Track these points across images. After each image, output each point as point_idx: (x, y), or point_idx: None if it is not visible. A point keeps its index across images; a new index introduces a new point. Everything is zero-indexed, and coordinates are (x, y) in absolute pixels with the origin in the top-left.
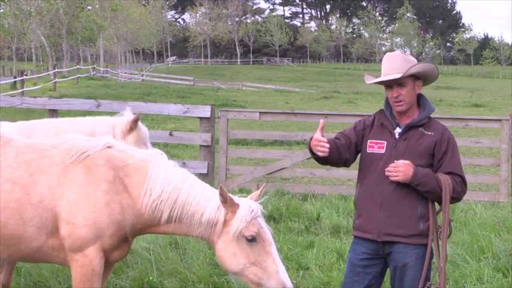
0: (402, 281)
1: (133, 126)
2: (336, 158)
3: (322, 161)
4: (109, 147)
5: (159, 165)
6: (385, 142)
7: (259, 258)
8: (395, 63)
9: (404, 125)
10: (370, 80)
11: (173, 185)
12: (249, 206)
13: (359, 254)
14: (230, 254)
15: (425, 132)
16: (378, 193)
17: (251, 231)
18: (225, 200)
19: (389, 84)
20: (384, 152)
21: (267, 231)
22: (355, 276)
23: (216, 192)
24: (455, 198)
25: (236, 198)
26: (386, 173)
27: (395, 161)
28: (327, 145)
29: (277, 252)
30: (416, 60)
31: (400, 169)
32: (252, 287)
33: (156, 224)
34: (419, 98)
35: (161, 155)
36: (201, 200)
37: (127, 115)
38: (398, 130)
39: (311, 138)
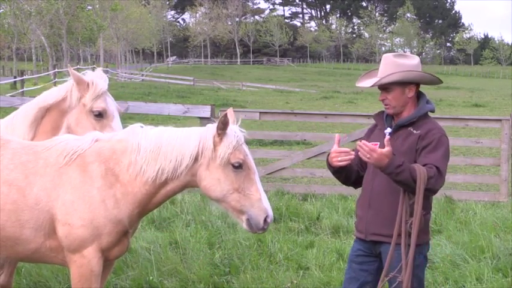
0: (390, 280)
1: (89, 85)
2: (357, 170)
3: (343, 177)
4: (97, 140)
5: (137, 134)
6: (378, 143)
7: (243, 185)
8: (384, 67)
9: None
10: (359, 82)
11: (154, 143)
12: (234, 132)
13: (355, 251)
14: (214, 181)
15: (414, 131)
16: (368, 193)
17: (238, 158)
18: (225, 127)
19: (379, 87)
20: None
21: (252, 160)
22: (352, 272)
23: (195, 128)
24: (429, 189)
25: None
26: (359, 151)
27: (376, 147)
28: (352, 152)
29: (260, 182)
30: (414, 62)
31: (374, 155)
32: (233, 214)
33: (150, 196)
34: (419, 97)
35: (140, 127)
36: (181, 140)
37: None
38: (388, 130)
39: (328, 154)
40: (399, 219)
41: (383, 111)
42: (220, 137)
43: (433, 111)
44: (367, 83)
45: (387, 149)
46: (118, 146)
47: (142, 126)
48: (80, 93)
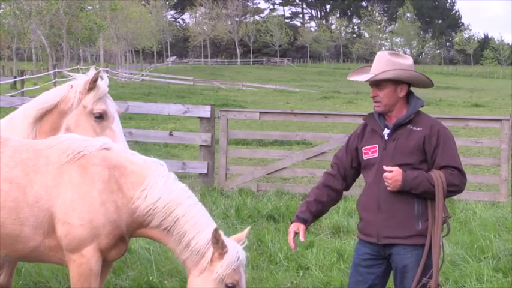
0: (403, 282)
1: (92, 86)
2: (332, 204)
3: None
4: (106, 148)
5: (159, 174)
6: (377, 145)
7: None
8: (378, 64)
9: (392, 125)
10: (351, 76)
11: (172, 197)
12: (236, 253)
13: (362, 255)
14: None
15: (414, 128)
16: (375, 196)
17: (233, 279)
18: (217, 242)
19: (371, 84)
20: (377, 155)
21: (245, 283)
22: (359, 276)
23: (212, 223)
24: (454, 191)
25: (226, 241)
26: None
27: (384, 174)
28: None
29: None
30: (408, 62)
31: (389, 181)
32: None
33: (145, 226)
34: (408, 95)
35: (162, 165)
36: (198, 222)
37: (89, 74)
38: (387, 131)
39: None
40: (430, 226)
41: (372, 113)
42: (222, 255)
43: (423, 106)
44: (361, 77)
45: (395, 169)
46: (129, 166)
47: (162, 164)
48: (80, 95)
